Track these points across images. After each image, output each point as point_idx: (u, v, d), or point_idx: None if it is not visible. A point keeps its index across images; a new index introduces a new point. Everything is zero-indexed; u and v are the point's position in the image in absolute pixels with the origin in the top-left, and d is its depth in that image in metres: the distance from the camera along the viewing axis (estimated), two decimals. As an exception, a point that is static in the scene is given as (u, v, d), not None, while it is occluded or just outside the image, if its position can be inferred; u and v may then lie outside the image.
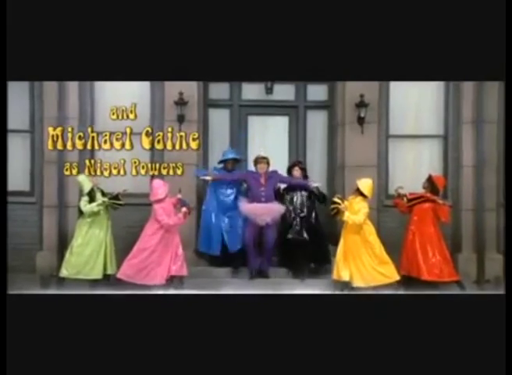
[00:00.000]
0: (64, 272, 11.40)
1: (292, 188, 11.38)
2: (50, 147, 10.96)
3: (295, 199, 11.40)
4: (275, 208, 11.21)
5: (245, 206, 11.27)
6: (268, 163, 11.20)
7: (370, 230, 10.75)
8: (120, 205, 11.12)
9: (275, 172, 11.28)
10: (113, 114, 10.78)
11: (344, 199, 10.88)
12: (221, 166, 11.65)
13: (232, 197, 11.68)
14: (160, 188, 11.33)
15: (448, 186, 11.81)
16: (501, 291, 10.23)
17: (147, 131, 11.10)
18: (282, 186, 11.76)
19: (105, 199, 11.24)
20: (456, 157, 11.94)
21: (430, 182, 11.02)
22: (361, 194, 10.79)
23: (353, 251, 10.80)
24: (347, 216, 10.51)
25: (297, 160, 11.50)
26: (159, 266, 11.37)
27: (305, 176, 11.41)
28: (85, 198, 10.84)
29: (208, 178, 11.22)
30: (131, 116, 10.88)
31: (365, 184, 10.72)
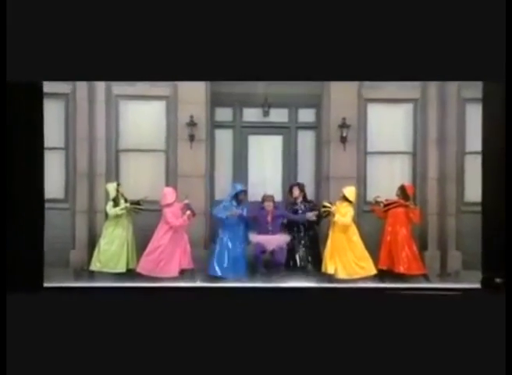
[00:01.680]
0: (93, 266, 11.53)
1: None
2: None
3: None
4: (281, 239, 11.26)
5: (254, 237, 11.27)
6: (273, 201, 11.22)
7: (354, 230, 11.10)
8: (141, 209, 11.29)
9: (279, 209, 11.37)
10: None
11: (332, 204, 11.02)
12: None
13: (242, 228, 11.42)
14: (169, 194, 11.46)
15: (416, 194, 11.77)
16: (460, 284, 10.52)
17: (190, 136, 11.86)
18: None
19: (127, 204, 11.31)
20: (422, 171, 12.05)
21: (402, 190, 11.30)
22: (346, 199, 10.97)
23: (339, 249, 11.07)
24: (337, 218, 10.86)
25: (297, 182, 11.58)
26: (171, 261, 11.50)
27: (304, 196, 11.39)
28: (111, 203, 11.24)
29: (229, 214, 11.10)
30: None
31: (350, 191, 11.10)
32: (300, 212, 11.59)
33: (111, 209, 11.39)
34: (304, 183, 11.76)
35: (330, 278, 11.18)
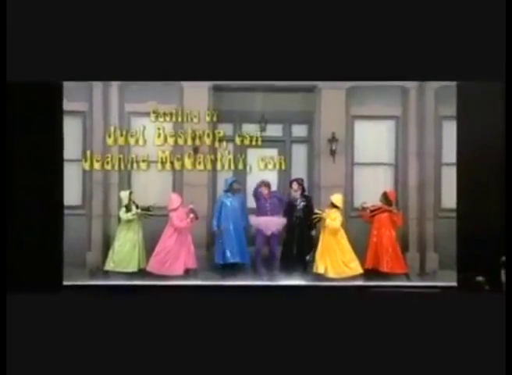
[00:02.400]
0: (107, 266, 11.85)
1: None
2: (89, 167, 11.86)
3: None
4: (279, 222, 11.76)
5: (254, 219, 11.77)
6: (269, 186, 11.71)
7: (342, 234, 11.52)
8: (150, 215, 11.66)
9: (275, 192, 11.83)
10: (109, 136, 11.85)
11: (323, 210, 11.48)
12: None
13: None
14: (175, 200, 11.80)
15: (398, 201, 12.11)
16: (437, 282, 11.02)
17: (189, 154, 11.87)
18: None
19: (138, 210, 11.69)
20: (403, 180, 12.35)
21: (385, 197, 11.76)
22: (335, 206, 11.42)
23: (329, 250, 11.50)
24: (328, 222, 11.30)
25: (297, 178, 11.94)
26: (176, 260, 11.79)
27: (303, 190, 11.84)
28: (123, 209, 11.63)
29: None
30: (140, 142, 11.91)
31: (337, 199, 11.52)
32: (297, 203, 11.92)
33: (123, 215, 11.71)
34: (302, 179, 12.02)
35: (320, 277, 11.44)
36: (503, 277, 8.36)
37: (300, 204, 11.91)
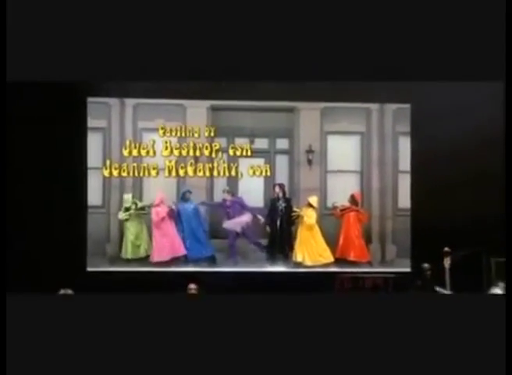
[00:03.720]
0: (123, 255, 12.19)
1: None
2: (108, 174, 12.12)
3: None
4: (244, 219, 12.21)
5: (225, 223, 12.25)
6: (231, 193, 12.24)
7: (317, 229, 12.16)
8: (144, 213, 12.17)
9: (238, 198, 12.29)
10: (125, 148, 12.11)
11: (300, 209, 12.08)
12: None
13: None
14: (157, 198, 12.17)
15: (364, 201, 12.52)
16: (395, 269, 11.69)
17: (191, 163, 12.15)
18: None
19: (131, 211, 12.12)
20: (367, 185, 12.63)
21: (352, 198, 12.27)
22: (311, 205, 12.02)
23: (306, 243, 12.13)
24: (306, 219, 11.89)
25: (279, 183, 12.32)
26: (167, 248, 12.20)
27: (284, 193, 12.23)
28: (122, 210, 12.10)
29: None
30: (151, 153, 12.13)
31: (313, 199, 12.10)
32: (279, 205, 12.24)
33: (120, 214, 12.13)
34: (284, 184, 12.32)
35: (298, 265, 12.11)
36: (446, 264, 8.77)
37: (282, 204, 12.24)
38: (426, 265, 10.06)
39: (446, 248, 9.22)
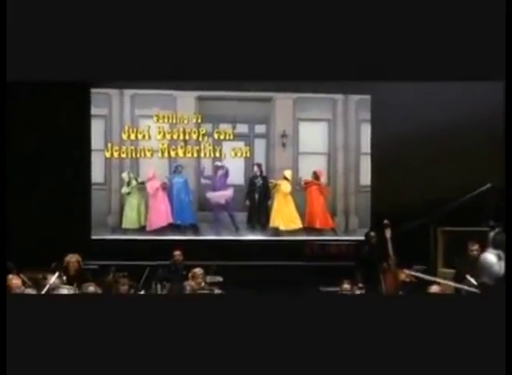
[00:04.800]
0: (123, 225, 12.32)
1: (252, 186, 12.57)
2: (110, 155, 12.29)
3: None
4: (227, 193, 12.46)
5: (209, 194, 12.47)
6: (220, 168, 12.45)
7: (290, 199, 12.55)
8: (143, 188, 12.30)
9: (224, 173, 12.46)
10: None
11: (277, 180, 12.45)
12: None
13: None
14: (150, 173, 12.31)
15: (330, 179, 12.72)
16: (357, 237, 11.77)
17: (181, 146, 12.39)
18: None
19: (133, 185, 12.27)
20: (333, 165, 12.81)
21: (315, 174, 12.60)
22: (286, 178, 12.39)
23: (281, 211, 12.50)
24: (282, 188, 12.35)
25: (258, 162, 12.60)
26: (160, 217, 12.38)
27: (261, 172, 12.52)
28: (125, 185, 12.27)
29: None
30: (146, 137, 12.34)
31: (288, 173, 12.48)
32: (257, 181, 12.50)
33: (122, 188, 12.27)
34: (261, 164, 12.55)
35: (274, 229, 12.45)
36: (387, 234, 8.87)
37: (259, 181, 12.53)
38: (372, 233, 10.12)
39: (386, 221, 9.13)
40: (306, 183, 12.72)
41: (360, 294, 7.81)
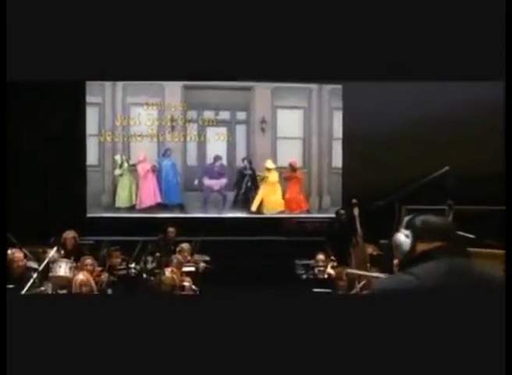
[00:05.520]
0: (116, 204, 12.41)
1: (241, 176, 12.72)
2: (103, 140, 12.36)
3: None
4: (223, 182, 12.61)
5: (206, 181, 12.58)
6: (220, 159, 12.54)
7: (278, 186, 12.70)
8: (134, 170, 12.41)
9: (221, 164, 12.55)
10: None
11: (264, 173, 12.57)
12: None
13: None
14: (140, 155, 12.38)
15: (305, 163, 12.87)
16: (329, 214, 11.83)
17: (169, 131, 12.47)
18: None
19: (125, 167, 12.34)
20: (308, 149, 12.95)
21: (291, 166, 12.77)
22: (269, 169, 12.53)
23: (267, 199, 12.71)
24: (270, 178, 12.46)
25: (248, 157, 12.77)
26: (150, 197, 12.46)
27: (250, 164, 12.71)
28: (117, 167, 12.34)
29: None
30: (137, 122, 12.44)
31: (270, 163, 12.65)
32: (246, 172, 12.64)
33: (115, 170, 12.35)
34: (250, 159, 12.68)
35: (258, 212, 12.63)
36: (355, 212, 9.01)
37: (248, 172, 12.67)
38: (342, 211, 9.97)
39: (354, 200, 9.00)
40: (286, 177, 12.85)
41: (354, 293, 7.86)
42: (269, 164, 12.71)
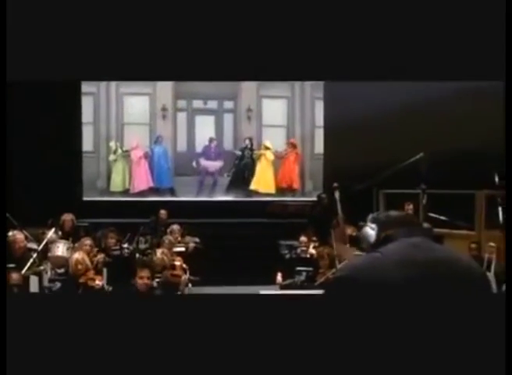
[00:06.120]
0: (110, 188, 12.47)
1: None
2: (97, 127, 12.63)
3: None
4: (218, 164, 12.66)
5: (202, 161, 12.60)
6: (214, 140, 12.59)
7: (272, 166, 12.80)
8: (127, 156, 12.45)
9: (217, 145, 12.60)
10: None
11: (259, 151, 12.65)
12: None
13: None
14: (133, 142, 12.40)
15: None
16: (311, 198, 11.81)
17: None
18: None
19: (119, 153, 12.40)
20: (292, 136, 12.99)
21: (292, 144, 12.85)
22: (267, 148, 12.64)
23: (263, 177, 12.79)
24: (267, 156, 12.58)
25: (250, 136, 12.79)
26: (142, 181, 12.47)
27: (251, 144, 12.76)
28: (112, 153, 12.39)
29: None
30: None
31: (269, 143, 12.74)
32: (246, 153, 12.70)
33: (109, 156, 12.39)
34: (252, 137, 12.74)
35: (254, 191, 12.72)
36: (336, 196, 9.04)
37: (248, 152, 12.74)
38: (323, 195, 10.25)
39: (335, 184, 9.06)
40: (286, 153, 12.91)
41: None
42: (268, 143, 12.81)
